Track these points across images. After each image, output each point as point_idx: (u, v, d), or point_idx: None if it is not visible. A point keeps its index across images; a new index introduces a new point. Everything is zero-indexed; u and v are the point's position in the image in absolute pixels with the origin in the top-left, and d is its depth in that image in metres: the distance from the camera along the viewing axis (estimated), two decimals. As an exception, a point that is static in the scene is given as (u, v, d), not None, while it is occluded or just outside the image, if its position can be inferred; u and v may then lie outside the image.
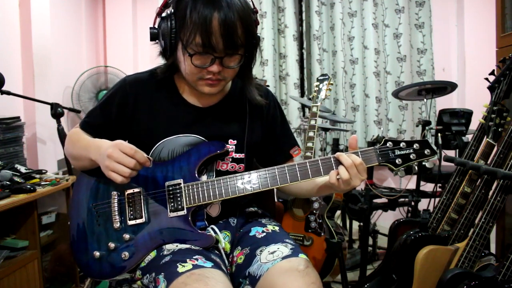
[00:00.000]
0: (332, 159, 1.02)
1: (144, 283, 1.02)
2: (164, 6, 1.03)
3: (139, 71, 1.19)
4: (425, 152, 1.04)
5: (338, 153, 1.01)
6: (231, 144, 1.14)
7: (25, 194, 1.65)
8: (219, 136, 1.14)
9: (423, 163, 2.04)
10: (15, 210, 1.62)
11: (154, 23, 1.05)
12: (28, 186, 1.69)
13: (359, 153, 1.02)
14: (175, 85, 1.15)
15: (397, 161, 1.03)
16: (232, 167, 1.16)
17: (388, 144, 1.04)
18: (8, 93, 1.98)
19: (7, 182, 1.68)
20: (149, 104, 1.13)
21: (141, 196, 1.08)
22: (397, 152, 1.03)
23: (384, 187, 2.48)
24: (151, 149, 1.12)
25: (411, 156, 1.04)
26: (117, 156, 0.94)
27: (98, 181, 1.12)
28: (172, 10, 0.99)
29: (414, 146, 1.04)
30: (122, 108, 1.12)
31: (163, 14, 1.01)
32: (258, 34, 1.06)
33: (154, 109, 1.13)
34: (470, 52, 3.10)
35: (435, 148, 1.90)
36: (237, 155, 1.15)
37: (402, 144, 1.04)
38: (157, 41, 1.05)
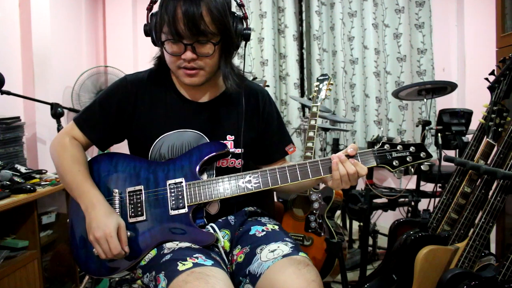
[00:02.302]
0: (331, 160, 1.04)
1: (144, 282, 1.03)
2: (152, 1, 1.08)
3: (139, 71, 1.20)
4: (421, 155, 1.08)
5: (336, 158, 1.03)
6: (229, 140, 1.16)
7: (25, 194, 1.65)
8: (217, 131, 1.15)
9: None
10: (15, 210, 1.63)
11: (147, 19, 1.09)
12: (28, 186, 1.69)
13: (358, 154, 1.05)
14: (173, 81, 1.17)
15: (394, 162, 1.07)
16: (232, 163, 1.17)
17: (385, 147, 1.08)
18: (8, 93, 1.98)
19: (7, 182, 1.68)
20: (149, 101, 1.14)
21: (142, 194, 1.08)
22: (394, 154, 1.07)
23: (384, 187, 2.47)
24: (151, 145, 1.13)
25: (407, 159, 1.08)
26: (103, 246, 1.01)
27: (99, 179, 1.12)
28: (158, 4, 1.05)
29: (410, 149, 1.08)
30: (122, 105, 1.13)
31: (153, 11, 1.07)
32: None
33: (153, 106, 1.14)
34: (470, 52, 3.10)
35: (434, 148, 1.91)
36: (236, 150, 1.17)
37: (398, 147, 1.08)
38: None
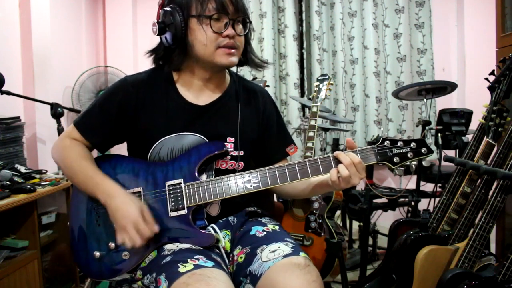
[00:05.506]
0: (331, 158, 1.05)
1: (145, 284, 1.03)
2: None
3: (139, 71, 1.19)
4: (422, 150, 1.06)
5: (336, 152, 1.04)
6: (229, 142, 1.15)
7: (25, 194, 1.65)
8: (217, 134, 1.15)
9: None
10: (15, 210, 1.62)
11: (158, 17, 1.08)
12: (28, 186, 1.69)
13: (358, 152, 1.04)
14: (174, 84, 1.16)
15: (395, 159, 1.05)
16: (231, 165, 1.16)
17: (385, 143, 1.06)
18: (8, 93, 1.98)
19: (7, 182, 1.68)
20: (149, 103, 1.13)
21: (141, 196, 1.08)
22: (395, 151, 1.06)
23: (384, 187, 2.47)
24: (150, 148, 1.12)
25: (408, 155, 1.06)
26: (131, 233, 0.99)
27: None
28: None
29: (411, 145, 1.06)
30: (123, 107, 1.12)
31: (167, 8, 1.06)
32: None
33: (154, 108, 1.13)
34: (470, 52, 3.10)
35: (435, 148, 1.91)
36: (236, 153, 1.16)
37: (399, 143, 1.06)
38: (164, 35, 1.08)
